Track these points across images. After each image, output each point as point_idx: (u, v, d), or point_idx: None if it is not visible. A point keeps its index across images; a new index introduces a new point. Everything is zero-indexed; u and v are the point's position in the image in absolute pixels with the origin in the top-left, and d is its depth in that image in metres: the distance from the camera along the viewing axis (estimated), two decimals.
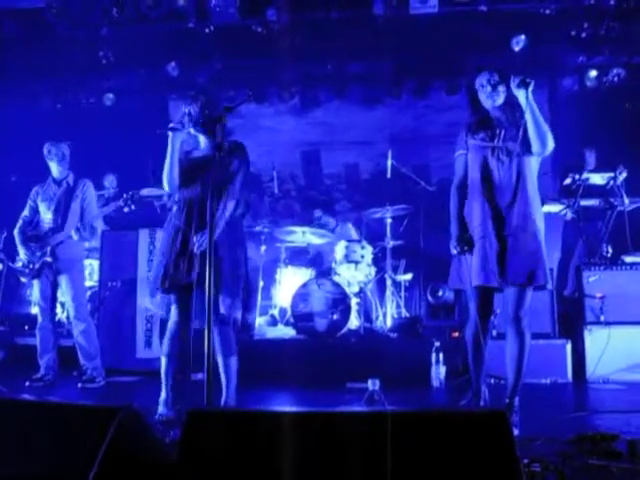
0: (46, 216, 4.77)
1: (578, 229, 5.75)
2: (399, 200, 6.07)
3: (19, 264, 4.74)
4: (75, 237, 4.62)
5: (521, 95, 2.96)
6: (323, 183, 7.83)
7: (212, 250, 2.58)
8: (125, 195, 4.78)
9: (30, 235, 4.75)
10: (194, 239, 3.18)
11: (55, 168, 4.80)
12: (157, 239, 5.48)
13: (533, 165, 3.12)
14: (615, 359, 4.67)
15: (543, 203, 5.24)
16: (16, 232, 4.79)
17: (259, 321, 5.73)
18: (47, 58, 7.08)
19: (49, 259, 4.61)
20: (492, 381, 4.19)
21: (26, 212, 4.85)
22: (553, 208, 5.51)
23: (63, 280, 4.67)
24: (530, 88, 2.93)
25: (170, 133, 3.28)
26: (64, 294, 4.71)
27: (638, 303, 4.75)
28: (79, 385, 4.61)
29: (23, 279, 4.82)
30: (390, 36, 6.74)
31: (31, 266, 4.65)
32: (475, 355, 3.20)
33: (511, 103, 3.09)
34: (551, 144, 3.01)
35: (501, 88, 3.09)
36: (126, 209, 4.76)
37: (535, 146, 3.00)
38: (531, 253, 3.00)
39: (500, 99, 3.11)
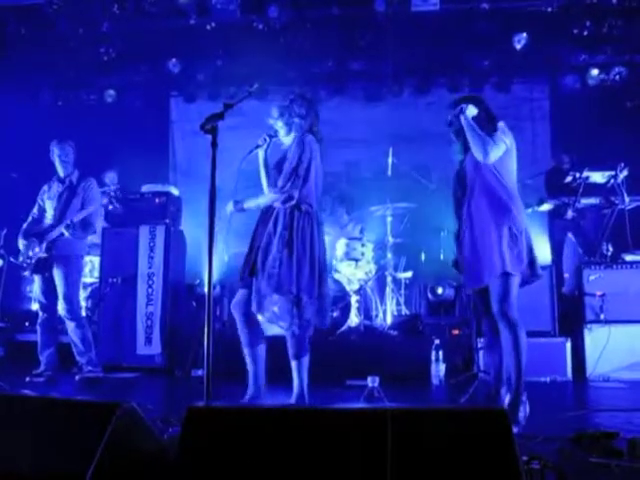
0: (49, 213, 4.81)
1: (578, 227, 5.75)
2: (400, 198, 6.06)
3: (20, 259, 4.75)
4: (66, 233, 4.60)
5: (462, 119, 3.23)
6: (324, 180, 7.79)
7: (212, 248, 2.57)
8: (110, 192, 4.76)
9: (29, 230, 4.77)
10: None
11: (60, 168, 4.83)
12: (157, 235, 5.48)
13: (501, 172, 3.22)
14: (615, 357, 4.67)
15: (542, 202, 5.31)
16: (22, 228, 4.82)
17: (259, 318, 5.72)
18: (48, 54, 7.07)
19: (44, 255, 4.62)
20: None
21: (35, 210, 4.90)
22: (553, 206, 5.52)
23: (56, 275, 4.68)
24: (466, 111, 3.22)
25: (258, 151, 3.47)
26: (58, 290, 4.71)
27: (638, 301, 4.75)
28: (77, 378, 4.64)
29: (25, 273, 4.84)
30: (391, 33, 6.73)
31: (29, 261, 4.67)
32: (488, 354, 3.28)
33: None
34: (492, 153, 3.14)
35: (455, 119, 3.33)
36: (110, 207, 4.74)
37: (478, 157, 3.18)
38: (481, 255, 3.13)
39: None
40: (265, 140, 3.44)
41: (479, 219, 3.19)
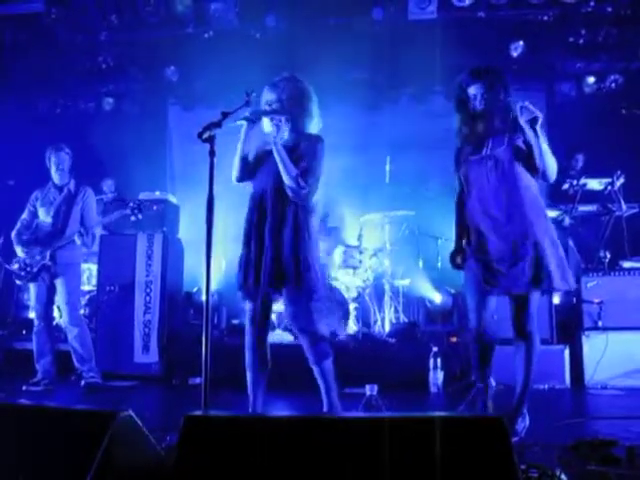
0: (45, 220, 4.78)
1: (575, 234, 5.76)
2: (398, 205, 6.07)
3: (15, 266, 4.72)
4: (78, 242, 4.64)
5: (527, 128, 2.94)
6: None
7: (210, 256, 2.57)
8: (132, 203, 4.77)
9: (28, 238, 4.75)
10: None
11: (55, 175, 4.82)
12: (155, 243, 5.48)
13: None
14: (613, 364, 4.67)
15: None
16: (14, 234, 4.81)
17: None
18: (46, 63, 7.10)
19: (48, 262, 4.62)
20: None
21: (25, 215, 4.87)
22: (550, 214, 5.52)
23: (59, 283, 4.68)
24: (538, 123, 2.91)
25: (244, 123, 3.01)
26: (59, 297, 4.71)
27: (636, 308, 4.75)
28: (82, 383, 4.65)
29: (18, 282, 4.82)
30: (389, 42, 6.76)
31: (28, 269, 4.65)
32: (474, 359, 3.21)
33: (500, 108, 3.03)
34: (553, 175, 2.99)
35: (491, 97, 3.01)
36: (133, 218, 4.75)
37: (547, 176, 2.99)
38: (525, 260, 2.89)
39: (488, 107, 3.03)
40: (263, 114, 3.05)
41: (520, 214, 2.93)
